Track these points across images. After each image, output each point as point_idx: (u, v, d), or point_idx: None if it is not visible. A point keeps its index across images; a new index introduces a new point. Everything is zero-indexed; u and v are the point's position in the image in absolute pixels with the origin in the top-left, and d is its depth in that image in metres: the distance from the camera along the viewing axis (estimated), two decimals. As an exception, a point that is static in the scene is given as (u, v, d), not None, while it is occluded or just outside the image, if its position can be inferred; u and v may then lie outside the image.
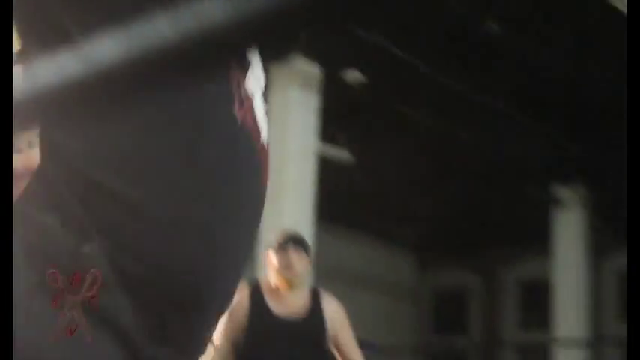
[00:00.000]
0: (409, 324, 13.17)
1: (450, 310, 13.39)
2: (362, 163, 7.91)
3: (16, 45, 1.06)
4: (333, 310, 3.60)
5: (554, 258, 9.88)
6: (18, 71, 0.94)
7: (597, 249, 9.98)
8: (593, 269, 9.92)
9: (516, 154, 8.82)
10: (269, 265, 3.60)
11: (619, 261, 10.84)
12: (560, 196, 9.65)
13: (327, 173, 6.82)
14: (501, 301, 12.90)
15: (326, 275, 6.83)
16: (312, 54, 6.70)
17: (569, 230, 9.67)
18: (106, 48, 0.49)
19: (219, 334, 3.52)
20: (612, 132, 7.60)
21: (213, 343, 3.50)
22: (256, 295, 3.58)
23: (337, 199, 8.60)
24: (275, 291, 3.60)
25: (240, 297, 3.50)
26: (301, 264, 3.56)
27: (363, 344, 4.60)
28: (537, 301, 12.33)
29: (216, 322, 1.16)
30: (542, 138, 8.30)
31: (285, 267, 3.52)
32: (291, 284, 3.55)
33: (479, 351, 12.87)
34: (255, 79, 1.13)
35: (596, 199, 9.66)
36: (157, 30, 0.47)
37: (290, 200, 6.26)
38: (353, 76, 7.18)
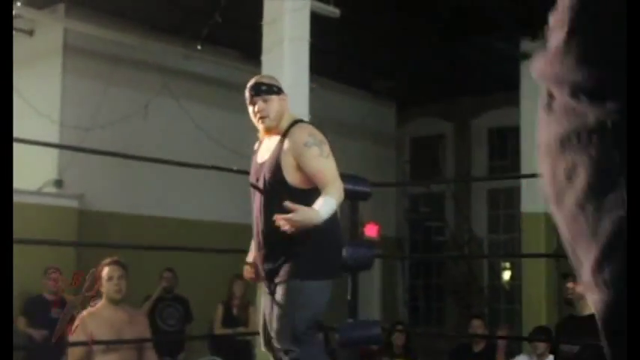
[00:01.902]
0: (391, 168, 13.63)
1: (427, 155, 13.83)
2: (348, 18, 8.04)
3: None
4: (291, 142, 3.66)
5: (520, 106, 10.31)
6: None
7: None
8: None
9: (488, 12, 9.05)
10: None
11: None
12: (527, 50, 9.98)
13: (318, 29, 6.94)
14: (473, 146, 13.34)
15: (319, 125, 7.13)
16: None
17: (534, 82, 9.98)
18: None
19: None
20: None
21: None
22: (258, 144, 3.91)
23: (327, 53, 8.78)
24: (262, 138, 3.85)
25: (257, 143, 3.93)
26: (272, 106, 3.68)
27: (356, 179, 4.98)
28: (505, 145, 12.83)
29: None
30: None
31: (257, 116, 3.69)
32: (267, 130, 3.71)
33: (452, 193, 13.25)
34: None
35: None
36: None
37: (287, 54, 6.52)
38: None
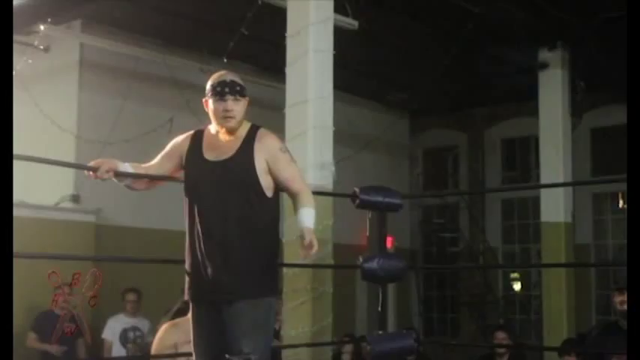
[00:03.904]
0: (404, 179, 13.38)
1: (440, 166, 13.62)
2: (364, 30, 7.86)
3: None
4: (264, 145, 3.48)
5: (539, 116, 10.10)
6: None
7: (576, 108, 10.13)
8: (572, 126, 10.10)
9: (505, 22, 8.85)
10: (209, 112, 3.51)
11: (590, 118, 11.10)
12: (545, 59, 9.77)
13: (338, 42, 6.75)
14: (486, 157, 13.10)
15: (339, 139, 6.87)
16: None
17: (551, 91, 9.80)
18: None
19: (163, 154, 3.72)
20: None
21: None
22: (195, 140, 3.57)
23: (346, 66, 8.61)
24: (213, 136, 3.53)
25: (182, 139, 3.64)
26: (239, 108, 3.47)
27: (387, 191, 4.78)
28: (518, 156, 12.63)
29: None
30: (527, 4, 8.30)
31: (225, 115, 3.44)
32: (230, 130, 3.47)
33: (467, 203, 13.01)
34: None
35: (577, 62, 9.79)
36: None
37: (312, 66, 6.32)
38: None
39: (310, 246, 3.33)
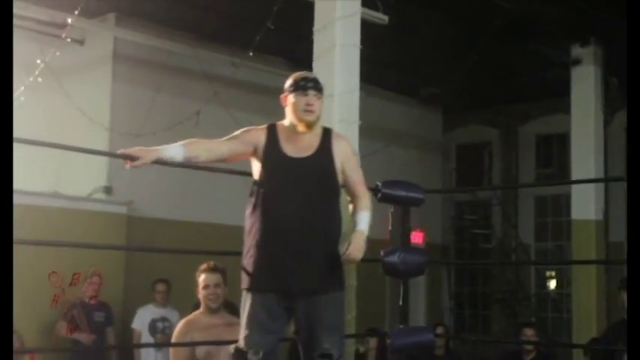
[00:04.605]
0: (437, 175, 13.47)
1: (473, 162, 13.64)
2: (396, 25, 7.94)
3: None
4: (341, 146, 3.62)
5: (571, 113, 10.12)
6: None
7: (608, 105, 10.13)
8: (604, 123, 10.10)
9: (538, 18, 8.88)
10: (288, 107, 3.58)
11: (624, 116, 11.05)
12: (578, 56, 9.79)
13: (366, 36, 6.85)
14: (520, 153, 13.10)
15: (365, 133, 6.98)
16: None
17: (584, 87, 9.82)
18: None
19: (226, 139, 3.65)
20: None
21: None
22: (272, 134, 3.60)
23: (374, 60, 8.70)
24: (289, 132, 3.59)
25: (258, 130, 3.63)
26: (319, 105, 3.56)
27: (409, 185, 4.87)
28: (552, 152, 12.62)
29: None
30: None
31: (306, 109, 3.52)
32: (309, 125, 3.55)
33: (499, 200, 13.04)
34: None
35: (609, 58, 9.79)
36: None
37: (338, 61, 6.44)
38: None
39: (356, 249, 3.47)
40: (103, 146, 8.79)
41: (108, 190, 9.23)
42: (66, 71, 9.36)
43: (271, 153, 3.57)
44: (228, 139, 3.65)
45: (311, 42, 6.59)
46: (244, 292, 3.57)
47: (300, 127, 3.55)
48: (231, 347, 3.58)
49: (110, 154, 8.89)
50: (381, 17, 7.61)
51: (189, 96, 9.67)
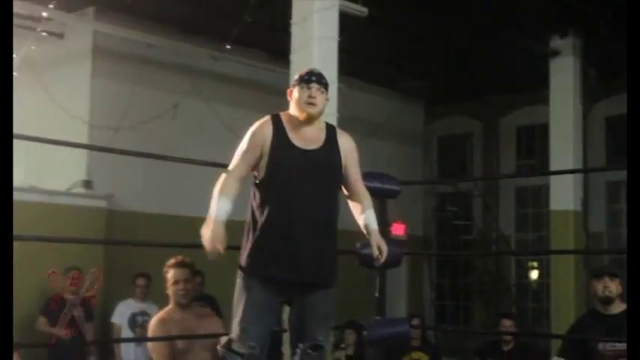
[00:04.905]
0: (418, 167, 13.58)
1: (454, 154, 13.75)
2: (377, 17, 7.98)
3: None
4: (346, 142, 3.71)
5: (549, 104, 10.22)
6: None
7: (587, 96, 10.24)
8: (583, 114, 10.21)
9: (517, 10, 8.95)
10: (293, 100, 3.66)
11: (605, 106, 11.20)
12: (557, 47, 9.88)
13: (346, 28, 6.91)
14: (501, 145, 13.21)
15: (345, 124, 7.08)
16: None
17: (562, 79, 9.91)
18: None
19: (237, 157, 3.65)
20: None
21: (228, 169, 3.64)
22: (278, 125, 3.64)
23: (355, 53, 8.73)
24: (293, 123, 3.64)
25: (263, 125, 3.65)
26: (322, 99, 3.63)
27: (385, 177, 4.92)
28: (533, 144, 12.72)
29: None
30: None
31: (309, 101, 3.59)
32: (312, 118, 3.61)
33: (480, 191, 13.14)
34: None
35: (589, 49, 9.89)
36: None
37: (316, 53, 6.50)
38: None
39: (385, 250, 3.66)
40: (82, 140, 8.80)
41: (87, 184, 9.24)
42: (45, 65, 9.37)
43: (280, 144, 3.60)
44: (241, 158, 3.65)
45: (289, 35, 6.64)
46: (242, 282, 3.60)
47: (301, 117, 3.60)
48: (223, 339, 3.61)
49: (90, 147, 8.94)
50: (360, 9, 7.64)
51: (168, 89, 9.70)
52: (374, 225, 3.71)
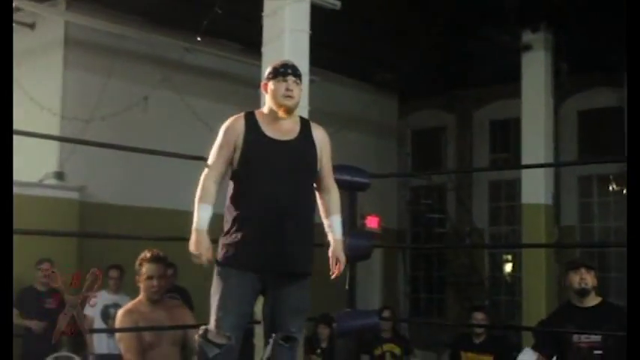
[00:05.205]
0: (392, 160, 13.67)
1: (428, 147, 13.85)
2: (350, 10, 8.02)
3: None
4: (320, 135, 3.74)
5: (521, 98, 10.32)
6: None
7: (559, 90, 10.36)
8: (555, 108, 10.34)
9: (489, 4, 9.05)
10: (269, 94, 3.68)
11: (577, 101, 11.34)
12: (528, 41, 9.98)
13: (319, 21, 6.92)
14: (474, 138, 13.33)
15: (319, 117, 7.14)
16: None
17: (534, 73, 10.02)
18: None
19: (214, 153, 3.68)
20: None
21: (207, 164, 3.67)
22: (250, 120, 3.68)
23: (328, 45, 8.77)
24: (269, 118, 3.68)
25: (235, 120, 3.68)
26: (298, 91, 3.67)
27: (354, 170, 4.99)
28: (507, 138, 12.84)
29: None
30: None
31: (286, 94, 3.62)
32: (288, 110, 3.65)
33: (454, 184, 13.26)
34: None
35: (560, 44, 10.00)
36: None
37: (287, 46, 6.54)
38: None
39: (343, 262, 3.71)
40: (53, 132, 8.79)
41: (59, 175, 9.23)
42: (16, 56, 9.31)
43: (253, 136, 3.63)
44: (217, 154, 3.68)
45: (262, 27, 6.69)
46: (220, 272, 3.62)
47: (281, 113, 3.64)
48: (201, 328, 3.61)
49: (61, 139, 8.93)
50: (333, 2, 7.68)
51: (140, 81, 9.71)
52: (337, 235, 3.75)
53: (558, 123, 10.50)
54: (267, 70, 3.74)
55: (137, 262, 4.68)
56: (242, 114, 3.73)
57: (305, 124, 3.74)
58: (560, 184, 11.08)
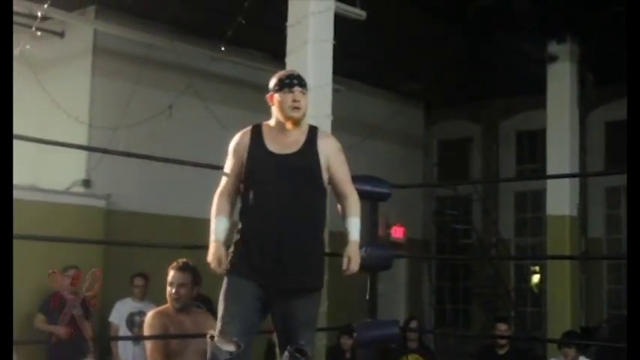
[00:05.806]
0: (418, 170, 13.71)
1: (454, 157, 13.88)
2: (375, 20, 8.09)
3: None
4: (327, 143, 3.70)
5: (547, 109, 10.32)
6: None
7: (585, 101, 10.35)
8: (581, 119, 10.33)
9: (515, 14, 9.08)
10: (275, 105, 3.67)
11: (605, 112, 11.31)
12: (554, 52, 10.00)
13: (345, 31, 6.98)
14: (501, 149, 13.34)
15: (344, 126, 7.16)
16: None
17: (559, 84, 10.03)
18: None
19: (225, 169, 3.76)
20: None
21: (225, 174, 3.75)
22: (256, 133, 3.71)
23: (354, 55, 8.83)
24: (275, 130, 3.69)
25: (242, 136, 3.74)
26: (305, 102, 3.65)
27: (376, 180, 5.04)
28: (533, 148, 12.83)
29: None
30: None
31: (294, 106, 3.62)
32: (296, 122, 3.65)
33: (480, 195, 13.27)
34: None
35: (586, 55, 10.01)
36: None
37: (311, 56, 6.62)
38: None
39: (355, 262, 3.65)
40: (81, 139, 8.92)
41: (87, 183, 9.35)
42: (45, 64, 9.50)
43: (256, 152, 3.66)
44: (230, 168, 3.76)
45: (286, 36, 6.77)
46: (227, 280, 3.66)
47: (288, 125, 3.65)
48: (209, 334, 3.64)
49: (87, 148, 9.06)
50: (358, 13, 7.76)
51: (167, 89, 9.83)
52: (353, 236, 3.70)
53: (585, 134, 10.49)
54: (272, 82, 3.73)
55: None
56: (249, 128, 3.77)
57: (312, 133, 3.72)
58: (587, 195, 11.07)
